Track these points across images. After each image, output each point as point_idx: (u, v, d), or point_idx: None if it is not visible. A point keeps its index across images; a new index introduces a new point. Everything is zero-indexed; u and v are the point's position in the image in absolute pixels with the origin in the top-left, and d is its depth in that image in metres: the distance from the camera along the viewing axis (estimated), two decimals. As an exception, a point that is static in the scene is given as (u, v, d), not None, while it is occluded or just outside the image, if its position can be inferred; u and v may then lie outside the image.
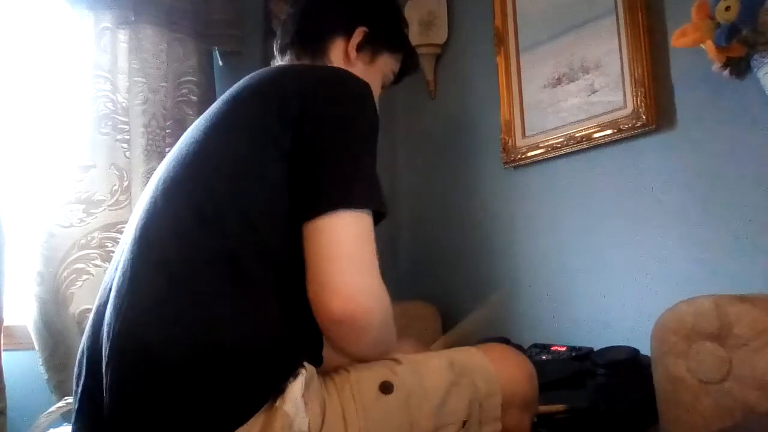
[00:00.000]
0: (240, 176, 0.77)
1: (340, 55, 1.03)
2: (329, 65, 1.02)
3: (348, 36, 1.04)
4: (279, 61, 1.07)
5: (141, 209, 0.81)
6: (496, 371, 0.81)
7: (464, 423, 0.76)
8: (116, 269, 0.79)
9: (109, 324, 0.73)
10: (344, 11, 1.06)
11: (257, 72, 0.89)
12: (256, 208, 0.75)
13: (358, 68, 1.03)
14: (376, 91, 1.08)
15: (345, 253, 0.72)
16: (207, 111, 0.88)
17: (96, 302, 0.81)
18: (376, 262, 0.75)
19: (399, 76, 1.16)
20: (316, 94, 0.81)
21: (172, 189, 0.79)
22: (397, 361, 0.79)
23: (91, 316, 0.81)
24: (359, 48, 1.04)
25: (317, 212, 0.72)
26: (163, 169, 0.85)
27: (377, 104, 1.10)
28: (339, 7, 1.07)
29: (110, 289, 0.77)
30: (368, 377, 0.75)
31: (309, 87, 0.82)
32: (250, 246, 0.73)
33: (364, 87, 0.85)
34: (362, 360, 0.79)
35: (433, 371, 0.78)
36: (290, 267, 0.74)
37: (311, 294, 0.72)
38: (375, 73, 1.08)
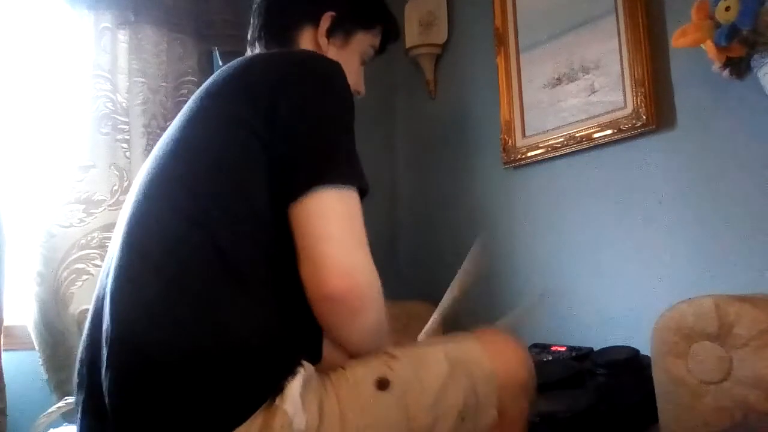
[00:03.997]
0: (218, 170, 0.77)
1: (310, 44, 1.01)
2: (298, 49, 1.00)
3: (315, 23, 1.01)
4: (250, 53, 1.05)
5: (126, 213, 0.81)
6: (490, 359, 0.81)
7: (461, 414, 0.76)
8: (107, 275, 0.78)
9: (106, 330, 0.73)
10: None
11: (227, 65, 0.88)
12: (237, 200, 0.75)
13: (332, 53, 1.00)
14: (356, 69, 1.07)
15: (336, 231, 0.72)
16: (183, 109, 0.88)
17: (91, 310, 0.81)
18: (366, 240, 0.75)
19: (381, 47, 1.12)
20: (286, 79, 0.80)
21: (153, 190, 0.79)
22: (392, 355, 0.78)
23: (87, 323, 0.81)
24: (330, 33, 1.02)
25: (301, 192, 0.72)
26: (144, 170, 0.84)
27: (362, 84, 1.09)
28: None
29: (103, 297, 0.77)
30: (364, 374, 0.75)
31: (278, 72, 0.82)
32: (238, 240, 0.73)
33: (334, 66, 0.84)
34: (358, 349, 0.78)
35: (428, 365, 0.78)
36: (282, 260, 0.73)
37: (305, 276, 0.71)
38: (350, 53, 1.05)
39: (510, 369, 0.82)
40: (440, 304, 1.23)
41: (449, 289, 1.24)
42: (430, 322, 1.19)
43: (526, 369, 0.84)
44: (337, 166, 0.75)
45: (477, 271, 1.26)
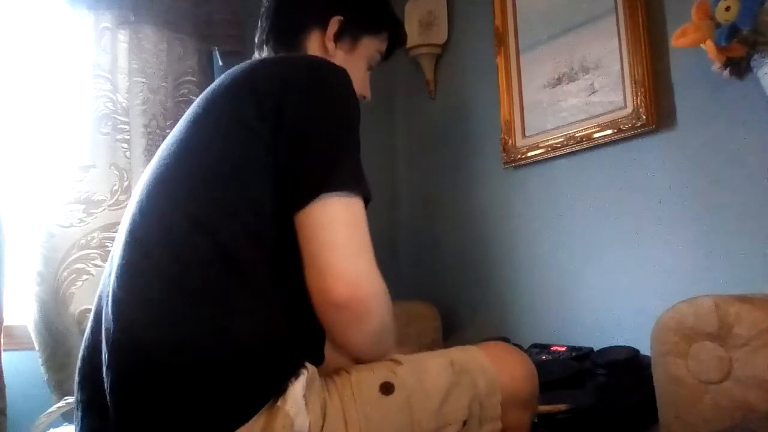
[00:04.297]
0: (220, 170, 0.77)
1: (317, 48, 1.01)
2: (304, 54, 1.00)
3: (323, 27, 1.01)
4: (257, 56, 1.05)
5: (129, 214, 0.81)
6: (496, 370, 0.81)
7: (464, 422, 0.76)
8: (110, 275, 0.78)
9: (108, 329, 0.73)
10: (316, 2, 1.04)
11: (233, 68, 0.88)
12: (239, 201, 0.75)
13: (339, 58, 1.01)
14: (362, 74, 1.07)
15: (341, 238, 0.72)
16: (188, 110, 0.88)
17: (93, 310, 0.81)
18: (371, 247, 0.75)
19: (388, 52, 1.13)
20: (292, 84, 0.80)
21: (157, 191, 0.79)
22: (397, 361, 0.78)
23: (89, 324, 0.81)
24: (337, 38, 1.02)
25: (307, 199, 0.72)
26: (148, 171, 0.84)
27: (368, 89, 1.09)
28: None
29: (106, 296, 0.77)
30: (369, 378, 0.75)
31: (284, 77, 0.81)
32: (240, 240, 0.73)
33: (340, 72, 0.85)
34: (362, 355, 0.78)
35: (433, 371, 0.78)
36: (286, 263, 0.73)
37: (310, 282, 0.72)
38: (357, 58, 1.05)
39: (515, 381, 0.82)
40: None
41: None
42: None
43: (531, 382, 0.85)
44: (343, 174, 0.75)
45: None
